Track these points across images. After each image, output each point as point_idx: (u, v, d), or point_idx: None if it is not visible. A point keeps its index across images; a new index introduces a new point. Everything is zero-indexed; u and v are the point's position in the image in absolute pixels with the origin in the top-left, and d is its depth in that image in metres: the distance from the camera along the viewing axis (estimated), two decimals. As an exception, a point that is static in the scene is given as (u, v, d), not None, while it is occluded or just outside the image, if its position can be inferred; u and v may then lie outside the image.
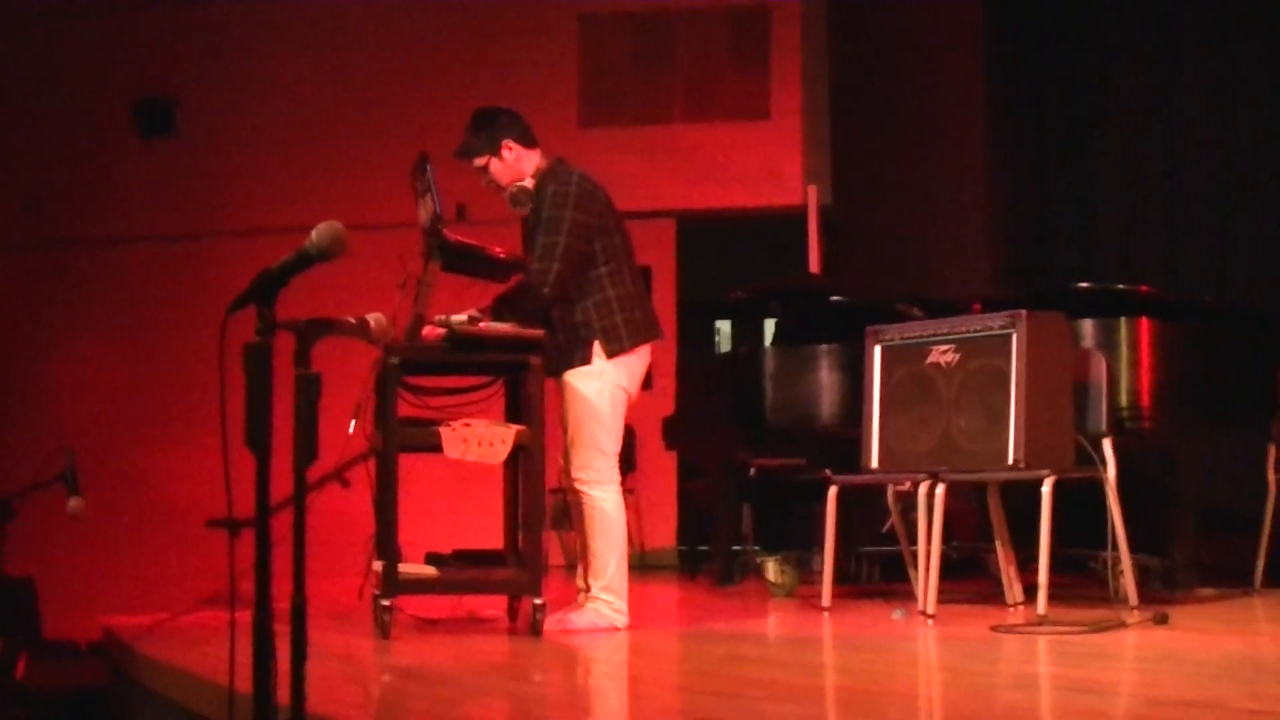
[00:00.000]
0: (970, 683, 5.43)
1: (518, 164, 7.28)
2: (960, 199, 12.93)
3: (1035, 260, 12.28)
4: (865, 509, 9.73)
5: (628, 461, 11.94)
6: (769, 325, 11.30)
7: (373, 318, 4.02)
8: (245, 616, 3.76)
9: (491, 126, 7.30)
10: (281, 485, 3.72)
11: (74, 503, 8.41)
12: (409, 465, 6.83)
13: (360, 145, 14.22)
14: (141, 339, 14.91)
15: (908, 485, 7.79)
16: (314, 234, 3.65)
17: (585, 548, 7.18)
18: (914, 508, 7.47)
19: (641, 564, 12.43)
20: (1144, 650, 6.14)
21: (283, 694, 3.80)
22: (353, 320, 3.98)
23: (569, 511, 7.40)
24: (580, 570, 7.30)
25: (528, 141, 7.32)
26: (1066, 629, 6.64)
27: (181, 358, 13.54)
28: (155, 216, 15.04)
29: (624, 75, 14.58)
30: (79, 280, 15.21)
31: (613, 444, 7.15)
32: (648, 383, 7.57)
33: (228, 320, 3.57)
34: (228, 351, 3.63)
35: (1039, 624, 6.85)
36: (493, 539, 7.60)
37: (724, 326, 17.17)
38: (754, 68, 14.33)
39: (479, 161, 7.29)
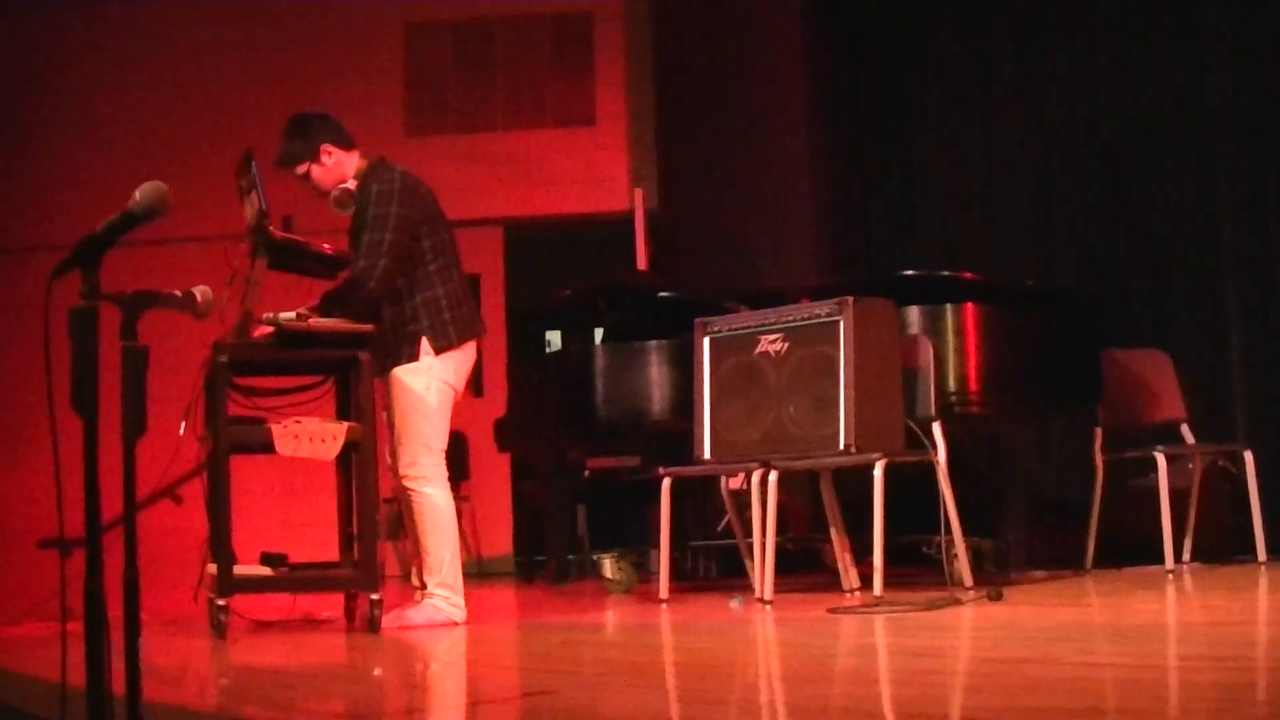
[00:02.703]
0: (810, 654, 5.47)
1: (339, 167, 7.26)
2: (785, 195, 13.05)
3: (861, 251, 12.42)
4: (700, 505, 9.78)
5: (460, 468, 11.92)
6: (598, 334, 11.31)
7: (199, 290, 3.95)
8: (76, 627, 3.65)
9: (307, 132, 7.28)
10: (111, 500, 3.57)
11: None
12: (241, 478, 6.79)
13: (186, 155, 13.99)
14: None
15: (740, 480, 7.84)
16: (138, 193, 3.57)
17: (417, 545, 7.16)
18: (749, 505, 7.50)
19: (479, 572, 12.42)
20: (979, 622, 6.21)
21: (116, 688, 3.73)
22: (179, 293, 3.92)
23: (402, 521, 7.37)
24: (415, 570, 7.30)
25: (345, 144, 7.30)
26: (902, 607, 6.70)
27: (6, 374, 13.31)
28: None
29: (449, 83, 14.54)
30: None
31: (439, 440, 7.14)
32: (479, 389, 7.57)
33: (51, 289, 3.45)
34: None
35: (875, 604, 6.91)
36: (327, 552, 7.56)
37: (554, 338, 17.16)
38: (578, 73, 14.35)
39: (300, 169, 7.27)
